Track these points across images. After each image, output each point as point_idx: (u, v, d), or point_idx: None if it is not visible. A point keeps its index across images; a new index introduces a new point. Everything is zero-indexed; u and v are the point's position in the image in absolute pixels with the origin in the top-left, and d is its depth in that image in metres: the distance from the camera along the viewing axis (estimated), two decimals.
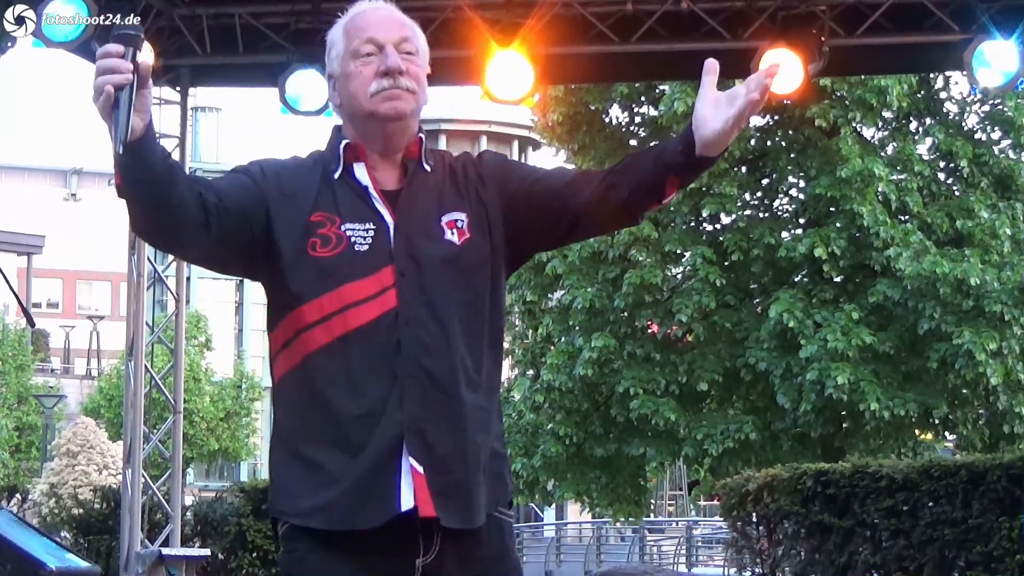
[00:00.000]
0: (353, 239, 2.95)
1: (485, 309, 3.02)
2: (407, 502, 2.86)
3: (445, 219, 3.00)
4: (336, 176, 3.02)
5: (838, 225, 18.48)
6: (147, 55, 2.71)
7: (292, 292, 2.95)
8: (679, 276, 20.11)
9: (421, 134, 3.08)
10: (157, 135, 2.87)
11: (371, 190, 3.00)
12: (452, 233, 3.00)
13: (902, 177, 18.87)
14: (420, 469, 2.87)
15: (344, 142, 3.05)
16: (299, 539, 2.94)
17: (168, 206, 2.83)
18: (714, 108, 2.85)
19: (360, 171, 3.02)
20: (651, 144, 3.09)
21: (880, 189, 18.39)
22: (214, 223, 2.90)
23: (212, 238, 2.90)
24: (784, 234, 19.42)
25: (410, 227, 2.98)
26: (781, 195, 20.18)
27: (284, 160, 3.10)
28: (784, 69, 10.41)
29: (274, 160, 3.09)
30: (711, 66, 2.88)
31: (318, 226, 2.95)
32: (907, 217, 18.87)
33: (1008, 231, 18.43)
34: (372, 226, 2.96)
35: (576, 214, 3.03)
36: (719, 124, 2.84)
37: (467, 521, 2.93)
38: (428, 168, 3.06)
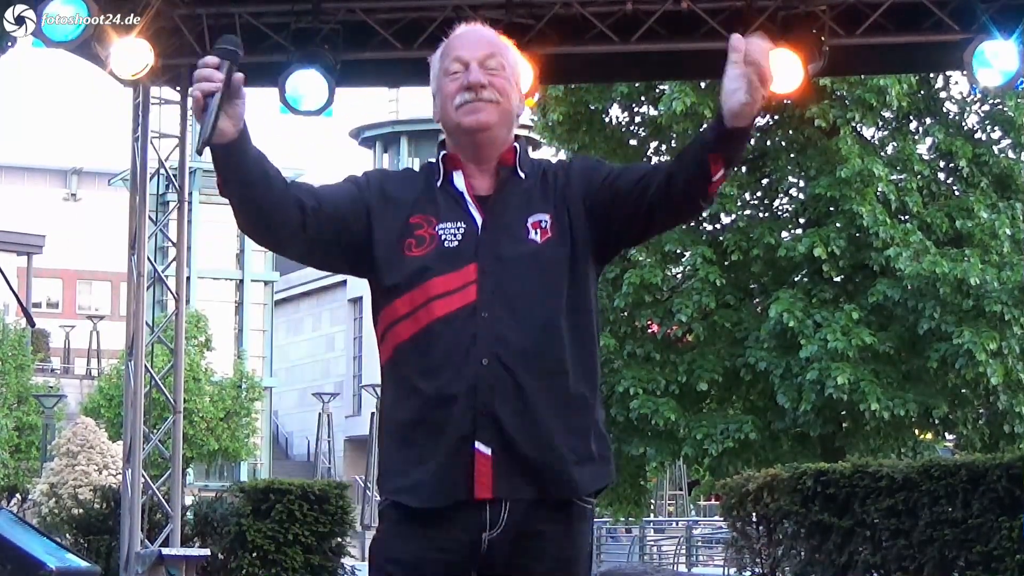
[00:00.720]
0: (443, 237, 3.20)
1: (564, 301, 3.20)
2: (473, 485, 3.11)
3: (531, 220, 3.23)
4: (439, 184, 3.28)
5: (838, 225, 18.49)
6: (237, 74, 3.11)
7: (388, 288, 3.22)
8: (679, 276, 20.12)
9: (517, 143, 3.32)
10: (247, 140, 3.15)
11: (465, 195, 3.26)
12: (535, 233, 3.22)
13: (902, 177, 18.88)
14: (488, 452, 3.11)
15: (443, 153, 3.32)
16: (389, 514, 3.23)
17: (263, 206, 3.20)
18: (736, 81, 2.99)
19: (458, 178, 3.28)
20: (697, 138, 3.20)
21: (880, 189, 18.40)
22: (311, 224, 3.20)
23: (309, 238, 3.21)
24: (784, 234, 19.43)
25: (497, 227, 3.22)
26: (781, 195, 20.18)
27: (394, 171, 3.40)
28: (783, 69, 10.43)
29: (383, 171, 3.39)
30: (736, 42, 3.00)
31: (416, 227, 3.23)
32: (907, 217, 18.87)
33: (1008, 231, 18.43)
34: (463, 225, 3.21)
35: (651, 205, 3.20)
36: (741, 95, 2.98)
37: (537, 493, 3.13)
38: (522, 175, 3.30)
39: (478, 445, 3.10)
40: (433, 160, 3.34)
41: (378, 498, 3.34)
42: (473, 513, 3.13)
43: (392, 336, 3.22)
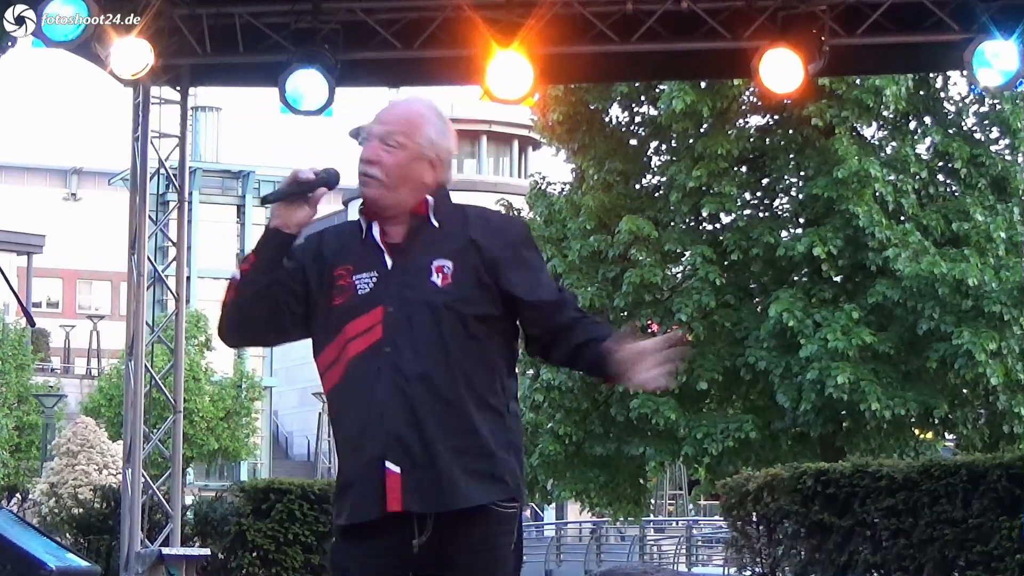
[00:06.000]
0: (358, 285, 3.59)
1: (463, 337, 3.55)
2: (388, 501, 3.52)
3: (435, 263, 3.58)
4: (363, 235, 3.65)
5: (835, 226, 18.48)
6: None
7: (321, 337, 3.64)
8: (679, 275, 20.11)
9: (430, 197, 3.63)
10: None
11: (380, 244, 3.62)
12: (438, 276, 3.57)
13: (899, 178, 18.85)
14: (398, 470, 3.51)
15: (359, 208, 3.69)
16: (337, 534, 3.68)
17: (258, 315, 3.66)
18: (634, 363, 3.57)
19: (375, 229, 3.64)
20: (588, 336, 3.67)
21: (876, 190, 18.39)
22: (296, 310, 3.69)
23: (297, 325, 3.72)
24: (784, 234, 19.42)
25: (403, 271, 3.58)
26: (781, 194, 20.18)
27: (332, 228, 3.77)
28: (783, 69, 10.43)
29: (322, 231, 3.75)
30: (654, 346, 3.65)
31: (338, 279, 3.62)
32: (903, 218, 18.86)
33: (1003, 234, 18.42)
34: (375, 273, 3.59)
35: (546, 352, 3.70)
36: (633, 377, 3.58)
37: (437, 507, 3.52)
38: (436, 223, 3.63)
39: (388, 465, 3.51)
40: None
41: None
42: (400, 524, 3.53)
43: (326, 380, 3.63)
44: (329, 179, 3.60)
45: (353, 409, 3.57)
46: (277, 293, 3.61)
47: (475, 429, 3.56)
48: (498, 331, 3.62)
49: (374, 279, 3.58)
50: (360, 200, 3.68)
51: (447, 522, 3.54)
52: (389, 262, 3.59)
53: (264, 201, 3.60)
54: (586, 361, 3.63)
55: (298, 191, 3.58)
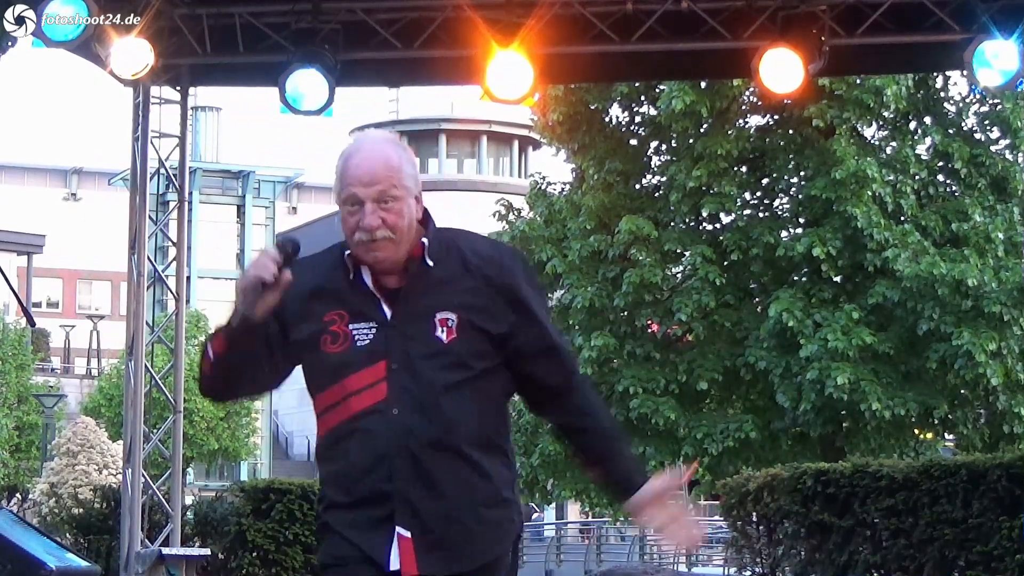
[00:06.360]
0: (356, 336, 3.42)
1: (469, 392, 3.43)
2: (394, 564, 3.38)
3: (439, 316, 3.42)
4: (350, 277, 3.46)
5: (834, 226, 18.48)
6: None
7: (311, 382, 3.49)
8: (679, 275, 20.12)
9: (425, 240, 3.46)
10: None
11: (374, 291, 3.44)
12: (442, 331, 3.41)
13: (898, 179, 18.84)
14: (408, 535, 3.38)
15: (347, 252, 3.47)
16: None
17: (240, 383, 3.56)
18: (654, 513, 3.47)
19: (366, 274, 3.45)
20: (610, 451, 3.61)
21: (875, 191, 18.38)
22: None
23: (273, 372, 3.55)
24: (784, 234, 19.42)
25: (405, 324, 3.42)
26: (780, 195, 20.18)
27: (307, 259, 3.54)
28: (783, 69, 10.42)
29: (297, 262, 3.49)
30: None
31: (330, 324, 3.43)
32: (902, 219, 18.86)
33: (1001, 235, 18.41)
34: (374, 324, 3.42)
35: (539, 410, 3.61)
36: (649, 520, 3.49)
37: (458, 567, 3.40)
38: (431, 263, 3.46)
39: (399, 529, 3.38)
40: (336, 252, 3.52)
41: None
42: None
43: (325, 420, 3.48)
44: (290, 254, 3.39)
45: (353, 469, 3.42)
46: (256, 356, 3.46)
47: (487, 476, 3.47)
48: (501, 372, 3.51)
49: (373, 330, 3.42)
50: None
51: None
52: (388, 311, 3.43)
53: (234, 324, 3.42)
54: (590, 462, 3.57)
55: (260, 294, 3.38)
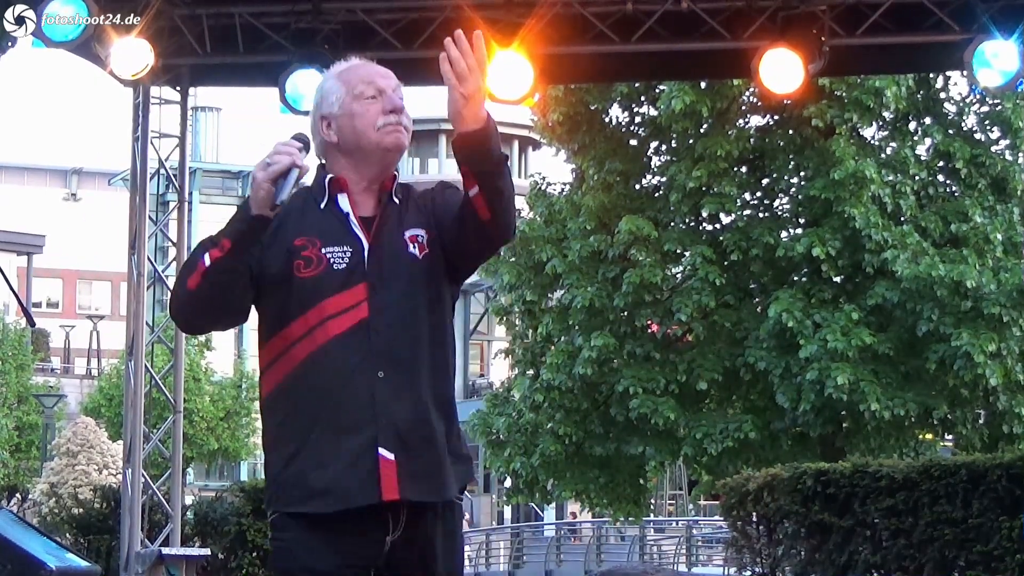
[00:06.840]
0: (331, 259, 3.42)
1: (443, 310, 3.49)
2: (380, 489, 3.33)
3: (408, 234, 3.47)
4: (323, 206, 3.48)
5: (833, 227, 18.47)
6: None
7: (282, 310, 3.42)
8: (679, 276, 20.10)
9: (396, 171, 3.55)
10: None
11: (351, 216, 3.47)
12: (414, 247, 3.46)
13: (897, 179, 18.84)
14: (392, 457, 3.34)
15: (329, 176, 3.51)
16: (291, 524, 3.40)
17: (234, 295, 3.42)
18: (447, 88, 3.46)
19: (343, 200, 3.49)
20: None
21: (874, 192, 18.38)
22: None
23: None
24: (783, 234, 19.42)
25: (381, 246, 3.44)
26: (780, 195, 20.17)
27: None
28: (783, 69, 10.43)
29: None
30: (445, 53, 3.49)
31: (301, 249, 3.42)
32: (902, 220, 18.86)
33: (1000, 235, 18.41)
34: (349, 248, 3.43)
35: (464, 235, 3.49)
36: (450, 96, 3.45)
37: (435, 495, 3.40)
38: (396, 200, 3.53)
39: (382, 451, 3.33)
40: (310, 184, 3.53)
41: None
42: (377, 517, 3.36)
43: (288, 358, 3.40)
44: (307, 143, 3.44)
45: (333, 389, 3.35)
46: (247, 271, 3.41)
47: (453, 405, 3.50)
48: (451, 303, 3.56)
49: (348, 253, 3.42)
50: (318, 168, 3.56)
51: (418, 515, 3.39)
52: (364, 236, 3.44)
53: (274, 209, 3.35)
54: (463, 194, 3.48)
55: (294, 182, 3.37)
